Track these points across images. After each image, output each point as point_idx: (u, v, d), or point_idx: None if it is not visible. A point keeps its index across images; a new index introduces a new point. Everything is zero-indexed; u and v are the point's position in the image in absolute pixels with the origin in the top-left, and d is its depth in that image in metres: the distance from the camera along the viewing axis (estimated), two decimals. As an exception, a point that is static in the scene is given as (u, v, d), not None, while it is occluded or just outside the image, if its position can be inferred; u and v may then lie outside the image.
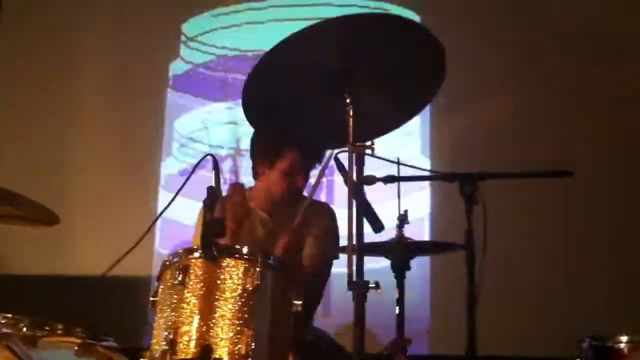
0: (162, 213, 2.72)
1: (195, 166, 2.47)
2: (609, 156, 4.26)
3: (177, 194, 2.58)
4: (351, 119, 2.25)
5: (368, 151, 2.25)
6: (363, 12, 2.27)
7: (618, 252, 4.11)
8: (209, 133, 4.65)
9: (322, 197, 3.95)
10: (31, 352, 2.25)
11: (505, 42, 4.50)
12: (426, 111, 4.29)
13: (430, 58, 2.30)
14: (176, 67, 4.79)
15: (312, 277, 3.14)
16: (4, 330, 2.29)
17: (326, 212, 3.29)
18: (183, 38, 4.80)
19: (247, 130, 3.03)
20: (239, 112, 2.41)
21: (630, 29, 4.44)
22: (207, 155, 2.41)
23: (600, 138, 4.31)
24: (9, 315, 2.40)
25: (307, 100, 2.39)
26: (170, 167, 4.65)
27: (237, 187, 3.26)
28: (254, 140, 3.25)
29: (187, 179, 2.51)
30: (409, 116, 2.52)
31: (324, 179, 3.40)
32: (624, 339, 2.57)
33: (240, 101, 2.34)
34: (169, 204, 2.63)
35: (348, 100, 2.26)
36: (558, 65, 4.43)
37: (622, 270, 4.07)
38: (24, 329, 2.35)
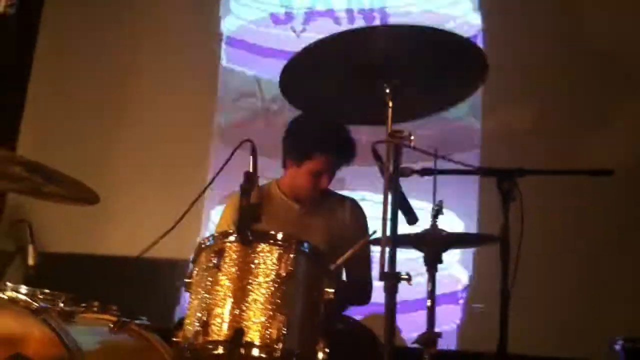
0: (198, 198, 2.74)
1: (234, 151, 2.49)
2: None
3: (214, 178, 2.60)
4: (390, 110, 2.26)
5: (406, 142, 2.25)
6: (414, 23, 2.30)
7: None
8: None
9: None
10: (67, 327, 2.29)
11: (552, 42, 4.46)
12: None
13: (471, 69, 2.33)
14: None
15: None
16: (42, 305, 2.34)
17: (360, 210, 3.38)
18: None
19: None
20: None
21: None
22: (245, 140, 2.42)
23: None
24: (47, 291, 2.45)
25: (346, 87, 2.41)
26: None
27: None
28: (287, 136, 3.29)
29: (225, 163, 2.53)
30: (444, 107, 2.54)
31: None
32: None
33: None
34: (206, 187, 2.65)
35: (388, 91, 2.27)
36: (600, 64, 4.37)
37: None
38: (62, 305, 2.40)
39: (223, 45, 4.85)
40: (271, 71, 4.43)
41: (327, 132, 3.14)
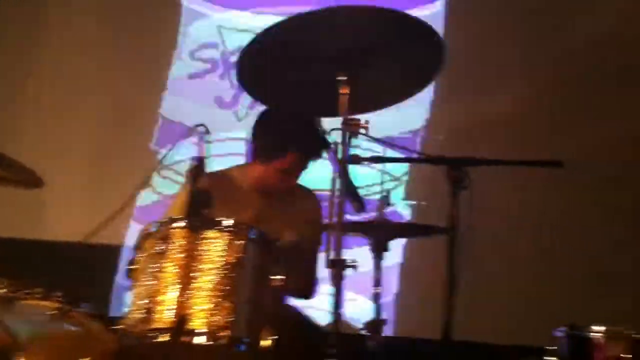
0: (143, 184, 2.71)
1: (185, 137, 2.46)
2: (599, 148, 4.27)
3: (162, 160, 2.57)
4: (346, 98, 2.25)
5: (362, 130, 2.24)
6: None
7: (599, 243, 4.14)
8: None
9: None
10: (7, 313, 2.23)
11: (506, 33, 4.50)
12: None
13: (429, 50, 2.32)
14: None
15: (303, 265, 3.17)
16: (-19, 291, 2.28)
17: (316, 201, 3.33)
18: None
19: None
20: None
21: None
22: (198, 125, 2.39)
23: (591, 129, 4.32)
24: (-12, 277, 2.39)
25: (302, 75, 2.38)
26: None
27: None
28: (257, 132, 3.21)
29: (172, 147, 2.50)
30: (402, 98, 2.53)
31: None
32: (600, 329, 2.59)
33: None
34: (154, 172, 2.62)
35: (344, 79, 2.26)
36: (556, 57, 4.43)
37: (601, 261, 4.10)
38: (2, 290, 2.34)
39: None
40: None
41: (300, 130, 3.05)
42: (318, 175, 3.06)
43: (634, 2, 4.47)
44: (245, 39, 2.31)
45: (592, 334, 2.59)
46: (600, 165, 4.24)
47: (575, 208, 4.21)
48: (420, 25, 2.27)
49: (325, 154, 3.13)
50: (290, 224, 3.17)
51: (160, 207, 3.91)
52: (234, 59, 4.44)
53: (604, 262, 4.10)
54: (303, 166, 3.18)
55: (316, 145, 3.06)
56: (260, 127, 3.19)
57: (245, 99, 4.30)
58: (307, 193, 3.36)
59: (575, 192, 4.18)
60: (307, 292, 3.30)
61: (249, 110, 4.32)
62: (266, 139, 3.17)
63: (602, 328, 2.58)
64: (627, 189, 4.23)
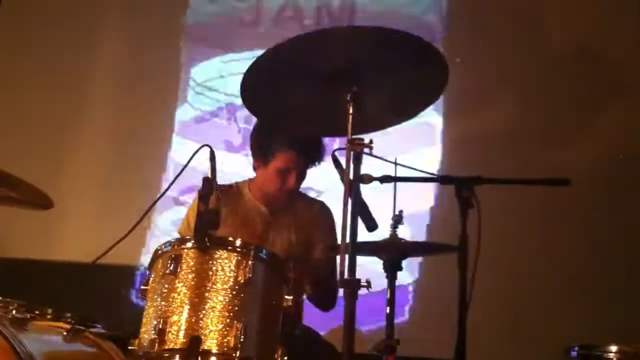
0: (153, 204, 2.72)
1: (191, 157, 2.47)
2: (607, 165, 4.26)
3: (171, 184, 2.58)
4: (350, 117, 2.26)
5: (366, 150, 2.25)
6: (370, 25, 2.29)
7: (612, 261, 4.11)
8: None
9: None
10: (20, 335, 2.23)
11: (507, 49, 4.51)
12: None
13: (433, 71, 2.33)
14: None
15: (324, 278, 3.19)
16: (-7, 312, 2.28)
17: (328, 213, 3.34)
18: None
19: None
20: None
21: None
22: (203, 146, 2.40)
23: (599, 147, 4.32)
24: (-1, 298, 2.39)
25: (307, 95, 2.40)
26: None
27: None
28: (252, 137, 3.28)
29: (183, 169, 2.51)
30: (406, 118, 2.54)
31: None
32: (613, 348, 2.57)
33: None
34: (163, 193, 2.63)
35: (349, 98, 2.27)
36: (559, 73, 4.44)
37: (614, 280, 4.07)
38: (14, 312, 2.34)
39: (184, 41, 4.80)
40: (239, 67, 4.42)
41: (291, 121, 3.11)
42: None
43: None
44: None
45: (604, 353, 2.57)
46: (609, 178, 4.22)
47: (583, 225, 4.19)
48: (422, 44, 2.28)
49: (321, 160, 3.20)
50: (297, 237, 3.19)
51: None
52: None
53: (618, 281, 4.07)
54: (299, 167, 3.18)
55: (307, 143, 3.13)
56: (254, 135, 3.26)
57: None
58: (313, 202, 3.41)
59: (583, 208, 4.16)
60: (330, 301, 3.31)
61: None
62: (259, 144, 3.21)
63: (616, 347, 2.56)
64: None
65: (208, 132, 4.59)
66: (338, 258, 3.08)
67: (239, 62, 4.57)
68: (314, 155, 3.18)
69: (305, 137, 3.14)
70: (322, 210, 3.35)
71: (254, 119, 3.34)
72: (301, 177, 3.22)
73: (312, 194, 3.68)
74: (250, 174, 3.36)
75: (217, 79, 4.69)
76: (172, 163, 4.56)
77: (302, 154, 3.15)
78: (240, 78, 2.33)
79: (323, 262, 3.17)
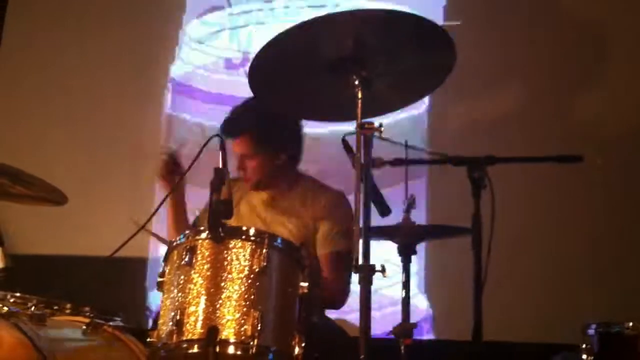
0: (167, 196, 2.73)
1: (202, 147, 2.47)
2: (620, 142, 4.24)
3: (182, 177, 2.59)
4: (359, 102, 2.26)
5: (376, 134, 2.25)
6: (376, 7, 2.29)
7: (627, 239, 4.10)
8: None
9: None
10: (39, 330, 2.26)
11: (515, 28, 4.48)
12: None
13: (439, 50, 2.31)
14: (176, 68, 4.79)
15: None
16: (13, 309, 2.30)
17: (339, 202, 3.20)
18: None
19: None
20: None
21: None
22: (214, 136, 2.41)
23: (611, 123, 4.30)
24: (18, 294, 2.42)
25: (315, 81, 2.39)
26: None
27: None
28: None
29: (194, 160, 2.52)
30: (413, 100, 2.54)
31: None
32: (630, 325, 2.57)
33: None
34: (177, 183, 2.64)
35: (357, 82, 2.27)
36: (567, 49, 4.41)
37: (630, 257, 4.06)
38: (32, 308, 2.36)
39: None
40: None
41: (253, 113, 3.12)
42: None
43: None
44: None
45: (621, 330, 2.57)
46: (623, 158, 4.20)
47: (597, 202, 4.18)
48: (430, 26, 2.27)
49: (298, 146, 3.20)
50: (297, 223, 3.16)
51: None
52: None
53: (635, 258, 4.06)
54: (254, 153, 3.14)
55: (264, 127, 3.08)
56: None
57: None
58: (325, 191, 3.26)
59: (597, 185, 4.14)
60: (337, 301, 3.21)
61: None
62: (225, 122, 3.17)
63: (632, 324, 2.56)
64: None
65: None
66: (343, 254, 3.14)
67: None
68: (276, 142, 3.15)
69: (264, 121, 3.08)
70: (335, 199, 3.21)
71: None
72: (263, 160, 3.16)
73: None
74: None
75: None
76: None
77: (258, 140, 3.12)
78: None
79: (325, 259, 3.11)
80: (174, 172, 3.09)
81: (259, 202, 3.27)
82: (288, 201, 3.24)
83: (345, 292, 3.12)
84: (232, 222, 2.31)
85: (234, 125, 3.13)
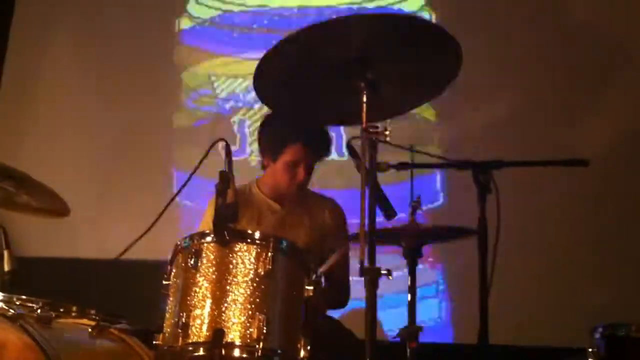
0: (174, 198, 2.73)
1: (208, 151, 2.48)
2: (625, 145, 4.23)
3: (189, 177, 2.59)
4: (365, 106, 2.26)
5: (381, 137, 2.25)
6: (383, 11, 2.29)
7: (633, 242, 4.09)
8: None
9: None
10: (45, 333, 2.26)
11: (520, 33, 4.48)
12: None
13: (446, 55, 2.32)
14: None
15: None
16: (19, 311, 2.31)
17: (340, 210, 3.36)
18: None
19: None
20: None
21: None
22: (219, 140, 2.41)
23: (616, 127, 4.29)
24: (24, 297, 2.42)
25: (320, 85, 2.40)
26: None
27: None
28: (260, 133, 3.31)
29: (200, 162, 2.52)
30: (420, 103, 2.54)
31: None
32: (637, 328, 2.56)
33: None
34: (182, 187, 2.64)
35: (362, 85, 2.27)
36: (574, 54, 4.41)
37: (637, 260, 4.05)
38: (39, 311, 2.37)
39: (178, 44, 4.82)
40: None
41: (297, 123, 3.13)
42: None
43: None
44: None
45: (628, 333, 2.56)
46: (628, 161, 4.20)
47: (602, 206, 4.17)
48: (436, 30, 2.28)
49: (328, 153, 3.25)
50: (310, 232, 3.20)
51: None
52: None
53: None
54: (307, 160, 3.20)
55: (314, 136, 3.16)
56: (262, 129, 3.29)
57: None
58: (325, 200, 3.40)
59: (602, 189, 4.14)
60: (342, 301, 3.34)
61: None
62: (267, 138, 3.26)
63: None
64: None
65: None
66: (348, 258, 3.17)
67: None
68: (322, 148, 3.21)
69: (313, 130, 3.16)
70: (334, 208, 3.37)
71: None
72: (310, 170, 3.24)
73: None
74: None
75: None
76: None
77: (310, 146, 3.18)
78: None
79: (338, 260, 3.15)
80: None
81: (268, 212, 3.30)
82: (298, 210, 3.31)
83: (349, 293, 3.31)
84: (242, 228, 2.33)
85: (317, 138, 3.20)
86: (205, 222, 3.28)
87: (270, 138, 3.23)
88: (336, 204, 3.39)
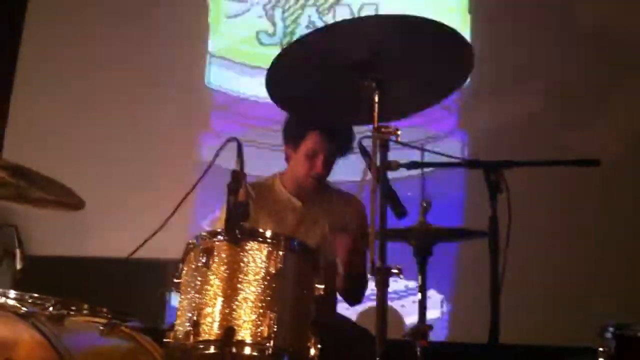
0: (185, 197, 2.73)
1: (219, 150, 2.48)
2: (635, 146, 4.22)
3: (201, 178, 2.59)
4: (376, 105, 2.26)
5: (393, 137, 2.25)
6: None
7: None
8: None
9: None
10: (57, 331, 2.27)
11: (530, 35, 4.48)
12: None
13: (457, 55, 2.33)
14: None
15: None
16: (31, 309, 2.32)
17: (361, 206, 3.35)
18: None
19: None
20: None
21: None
22: (230, 139, 2.42)
23: (626, 128, 4.28)
24: (36, 295, 2.44)
25: (333, 85, 2.40)
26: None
27: None
28: (284, 126, 3.32)
29: (212, 162, 2.53)
30: (431, 105, 2.54)
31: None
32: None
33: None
34: (193, 187, 2.64)
35: (374, 86, 2.27)
36: (587, 55, 4.40)
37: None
38: (50, 309, 2.38)
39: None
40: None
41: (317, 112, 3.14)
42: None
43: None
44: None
45: (639, 332, 2.55)
46: (638, 160, 4.18)
47: (613, 205, 4.16)
48: (448, 31, 2.28)
49: (352, 147, 3.21)
50: (329, 231, 3.21)
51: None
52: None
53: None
54: (326, 150, 3.20)
55: (334, 128, 3.15)
56: (287, 123, 3.30)
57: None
58: (348, 198, 3.39)
59: (614, 189, 4.13)
60: (358, 294, 3.32)
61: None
62: (290, 127, 3.27)
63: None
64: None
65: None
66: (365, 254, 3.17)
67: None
68: (342, 139, 3.19)
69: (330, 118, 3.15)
70: (356, 203, 3.37)
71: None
72: (329, 163, 3.23)
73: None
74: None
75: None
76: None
77: (330, 136, 3.18)
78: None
79: (357, 255, 3.14)
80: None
81: (289, 208, 3.29)
82: (318, 206, 3.30)
83: (365, 288, 3.31)
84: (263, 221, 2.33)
85: (336, 129, 3.21)
86: (219, 221, 3.29)
87: (293, 126, 3.24)
88: (359, 203, 3.38)
